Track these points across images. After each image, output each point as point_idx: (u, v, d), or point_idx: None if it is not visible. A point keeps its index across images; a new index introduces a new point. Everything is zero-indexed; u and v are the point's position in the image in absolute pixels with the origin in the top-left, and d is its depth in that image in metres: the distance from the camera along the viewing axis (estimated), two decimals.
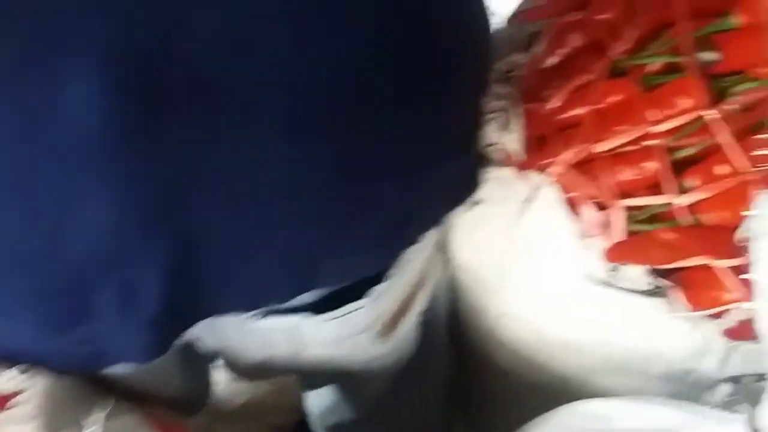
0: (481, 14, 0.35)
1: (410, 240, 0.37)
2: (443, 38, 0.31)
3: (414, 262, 0.40)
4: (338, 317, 0.37)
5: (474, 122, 0.39)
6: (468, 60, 0.33)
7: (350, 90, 0.28)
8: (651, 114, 0.38)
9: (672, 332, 0.39)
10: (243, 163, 0.28)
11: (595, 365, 0.45)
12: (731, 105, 0.36)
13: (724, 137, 0.36)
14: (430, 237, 0.41)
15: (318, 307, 0.37)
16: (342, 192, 0.31)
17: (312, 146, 0.29)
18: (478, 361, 0.55)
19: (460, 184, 0.39)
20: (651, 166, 0.38)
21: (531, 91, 0.44)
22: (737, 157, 0.35)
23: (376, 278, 0.38)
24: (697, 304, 0.37)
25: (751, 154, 0.35)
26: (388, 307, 0.40)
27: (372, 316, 0.38)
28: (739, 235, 0.34)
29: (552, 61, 0.44)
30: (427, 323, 0.52)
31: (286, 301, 0.35)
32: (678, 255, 0.36)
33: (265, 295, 0.34)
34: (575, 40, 0.43)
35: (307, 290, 0.34)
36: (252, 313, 0.37)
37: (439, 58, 0.31)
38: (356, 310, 0.37)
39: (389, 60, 0.29)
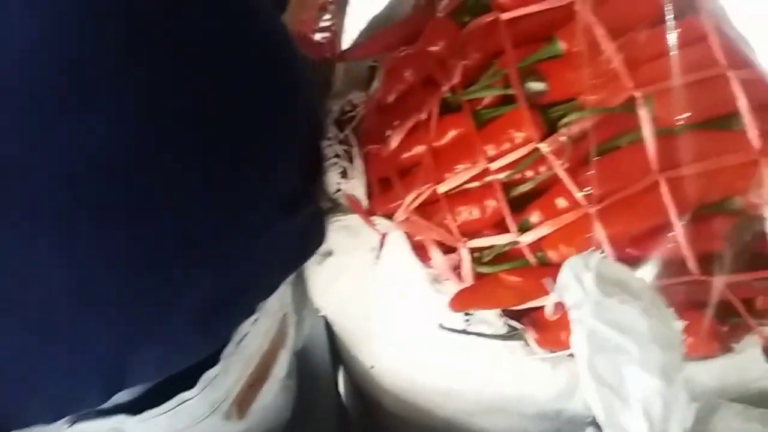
0: (290, 65, 0.32)
1: (238, 316, 0.33)
2: (242, 99, 0.28)
3: (256, 333, 0.36)
4: (166, 412, 0.32)
5: (304, 177, 0.36)
6: (277, 117, 0.30)
7: (126, 172, 0.25)
8: (488, 149, 0.37)
9: (534, 374, 0.37)
10: (6, 262, 0.24)
11: (472, 408, 0.43)
12: (562, 136, 0.35)
13: (558, 170, 0.34)
14: (275, 302, 0.38)
15: (140, 404, 0.32)
16: (136, 283, 0.27)
17: (86, 238, 0.24)
18: (371, 404, 0.52)
19: (295, 245, 0.36)
20: (492, 203, 0.37)
21: (371, 131, 0.42)
22: (574, 190, 0.34)
23: (212, 359, 0.34)
24: (550, 345, 0.35)
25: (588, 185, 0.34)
26: (233, 385, 0.36)
27: (208, 403, 0.34)
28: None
29: (389, 98, 0.42)
30: (305, 378, 0.48)
31: (97, 405, 0.30)
32: (525, 296, 0.34)
33: (70, 401, 0.29)
34: (409, 76, 0.41)
35: (117, 391, 0.29)
36: (62, 421, 0.32)
37: (239, 121, 0.28)
38: (185, 401, 0.32)
39: (173, 131, 0.25)
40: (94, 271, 0.26)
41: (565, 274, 0.26)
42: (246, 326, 0.34)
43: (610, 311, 0.24)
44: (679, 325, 0.27)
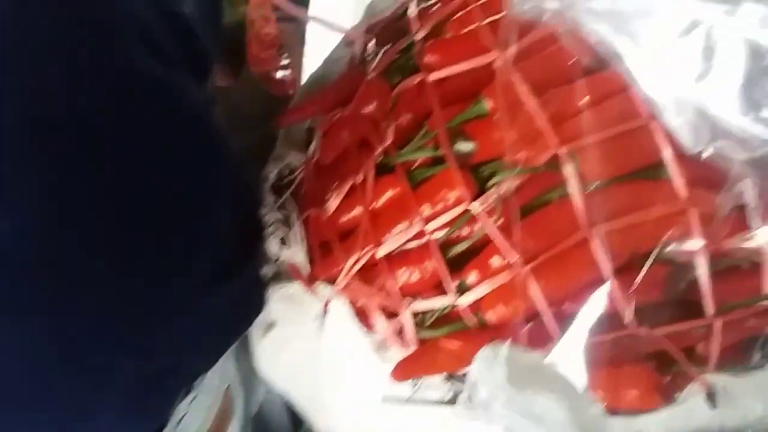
0: (206, 141, 0.31)
1: (172, 396, 0.32)
2: (154, 180, 0.28)
3: (195, 412, 0.35)
4: None
5: (238, 246, 0.35)
6: (193, 195, 0.30)
7: (34, 268, 0.24)
8: (424, 210, 0.37)
9: None
10: None
11: None
12: (492, 195, 0.35)
13: (490, 229, 0.34)
14: (214, 377, 0.37)
15: None
16: (56, 378, 0.26)
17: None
18: None
19: (229, 316, 0.35)
20: (432, 264, 0.36)
21: (310, 195, 0.42)
22: (506, 249, 0.34)
23: None
24: None
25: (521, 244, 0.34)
26: None
27: None
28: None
29: (327, 161, 0.42)
30: None
31: None
32: (466, 361, 0.34)
33: None
34: (345, 138, 0.41)
35: None
36: None
37: (152, 204, 0.27)
38: None
39: (80, 222, 0.25)
40: (11, 368, 0.25)
41: (475, 369, 0.26)
42: (183, 406, 0.33)
43: (525, 402, 0.24)
44: (599, 407, 0.26)
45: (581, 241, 0.33)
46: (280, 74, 1.05)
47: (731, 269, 0.34)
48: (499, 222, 0.35)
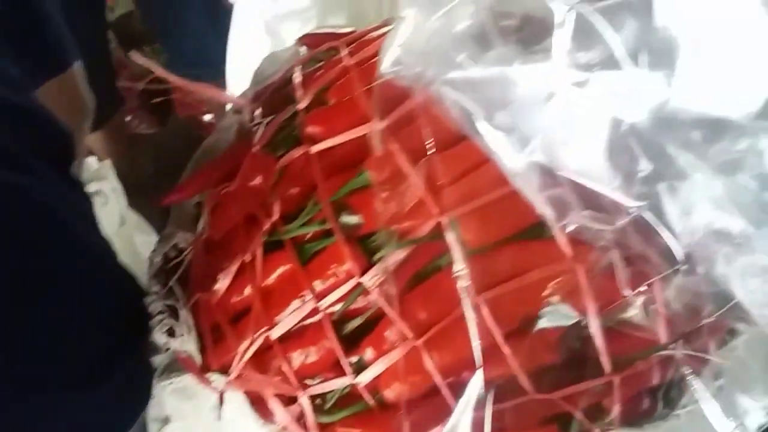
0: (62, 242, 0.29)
1: None
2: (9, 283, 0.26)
3: None
4: None
5: (116, 341, 0.33)
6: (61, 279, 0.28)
7: None
8: (316, 285, 0.35)
9: None
10: None
11: None
12: (381, 268, 0.34)
13: (381, 303, 0.33)
14: None
15: None
16: None
17: None
18: None
19: (109, 413, 0.33)
20: (327, 343, 0.35)
21: (199, 276, 0.40)
22: (398, 323, 0.33)
23: None
24: None
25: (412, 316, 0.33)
26: None
27: None
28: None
29: (216, 238, 0.40)
30: None
31: None
32: None
33: None
34: (232, 214, 0.40)
35: None
36: None
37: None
38: None
39: None
40: None
41: None
42: None
43: None
44: None
45: (474, 308, 0.32)
46: (207, 117, 1.04)
47: (624, 323, 0.34)
48: (391, 294, 0.34)
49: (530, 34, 0.32)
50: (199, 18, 0.88)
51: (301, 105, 0.40)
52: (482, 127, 0.28)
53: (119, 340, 0.33)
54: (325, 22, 0.79)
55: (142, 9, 0.95)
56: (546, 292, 0.33)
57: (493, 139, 0.28)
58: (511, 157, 0.28)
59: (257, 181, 0.39)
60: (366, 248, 0.35)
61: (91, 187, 0.62)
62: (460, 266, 0.32)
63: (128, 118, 0.97)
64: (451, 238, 0.32)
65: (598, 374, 0.33)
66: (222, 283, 0.38)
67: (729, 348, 0.36)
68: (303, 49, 0.48)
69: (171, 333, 0.37)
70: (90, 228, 0.34)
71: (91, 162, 0.69)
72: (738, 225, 0.27)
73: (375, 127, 0.34)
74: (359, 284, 0.34)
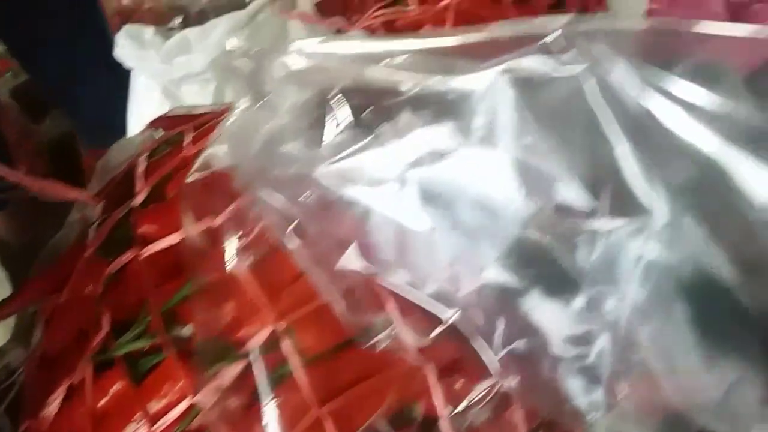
0: None
1: None
2: None
3: None
4: None
5: None
6: None
7: None
8: (150, 407, 0.32)
9: None
10: None
11: None
12: (215, 385, 0.31)
13: (217, 426, 0.30)
14: None
15: None
16: None
17: None
18: None
19: None
20: None
21: (30, 400, 0.36)
22: None
23: None
24: None
25: None
26: None
27: None
28: None
29: (51, 354, 0.36)
30: None
31: None
32: None
33: None
34: (65, 327, 0.36)
35: None
36: None
37: None
38: None
39: None
40: None
41: None
42: None
43: None
44: None
45: (315, 423, 0.30)
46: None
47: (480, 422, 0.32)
48: (231, 412, 0.31)
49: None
50: (96, 86, 0.85)
51: (137, 200, 0.37)
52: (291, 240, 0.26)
53: None
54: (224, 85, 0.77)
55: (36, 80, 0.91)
56: (395, 395, 0.31)
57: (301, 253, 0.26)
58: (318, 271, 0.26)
59: (88, 290, 0.36)
60: (202, 362, 0.32)
61: None
62: (298, 375, 0.29)
63: None
64: (287, 345, 0.30)
65: None
66: (50, 408, 0.34)
67: None
68: (158, 133, 0.46)
69: None
70: None
71: None
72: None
73: (189, 230, 0.31)
74: (195, 404, 0.31)
